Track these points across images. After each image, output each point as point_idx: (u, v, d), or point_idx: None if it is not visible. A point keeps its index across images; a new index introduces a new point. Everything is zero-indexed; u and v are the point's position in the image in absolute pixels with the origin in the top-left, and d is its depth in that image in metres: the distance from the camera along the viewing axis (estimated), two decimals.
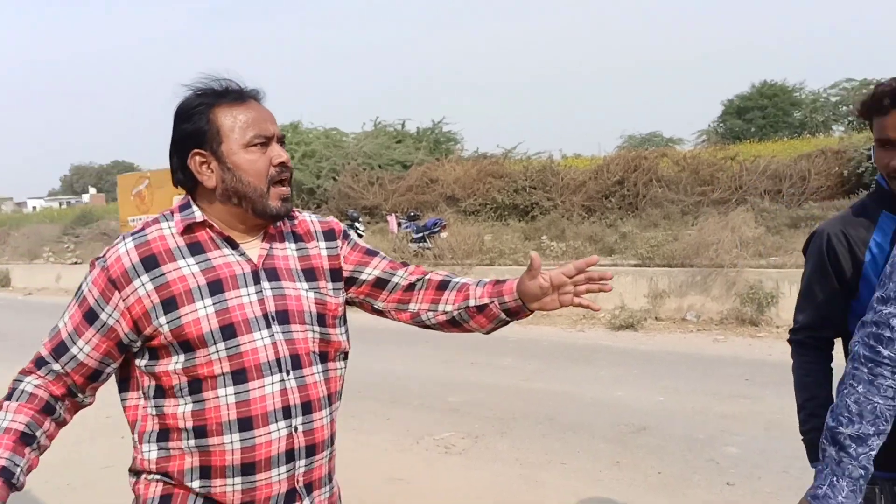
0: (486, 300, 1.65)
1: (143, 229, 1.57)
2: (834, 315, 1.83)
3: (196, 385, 1.49)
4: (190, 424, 1.49)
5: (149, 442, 1.54)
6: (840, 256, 1.79)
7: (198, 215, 1.56)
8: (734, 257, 7.61)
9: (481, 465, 4.66)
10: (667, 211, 13.63)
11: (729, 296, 7.70)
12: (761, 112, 29.58)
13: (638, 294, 8.73)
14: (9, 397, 1.53)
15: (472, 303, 1.66)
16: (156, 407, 1.53)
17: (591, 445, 4.91)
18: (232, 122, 1.52)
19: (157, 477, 1.55)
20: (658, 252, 9.45)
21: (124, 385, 1.59)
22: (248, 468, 1.50)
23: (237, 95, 1.55)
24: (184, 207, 1.58)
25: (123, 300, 1.49)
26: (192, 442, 1.50)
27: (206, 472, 1.50)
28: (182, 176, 1.57)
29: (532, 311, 1.64)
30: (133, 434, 1.58)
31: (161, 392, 1.53)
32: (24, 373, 1.56)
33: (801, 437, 1.91)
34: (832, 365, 1.95)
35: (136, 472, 1.58)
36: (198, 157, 1.53)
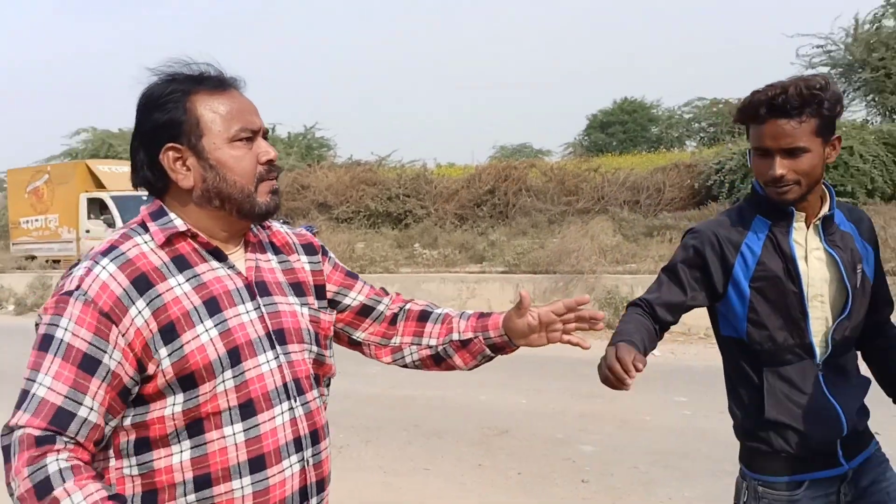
0: (470, 334, 1.55)
1: (113, 247, 1.31)
2: (676, 307, 1.84)
3: (197, 427, 1.27)
4: (189, 476, 1.26)
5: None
6: (709, 259, 1.80)
7: (178, 224, 1.33)
8: (593, 264, 7.98)
9: (343, 475, 4.59)
10: (535, 220, 14.07)
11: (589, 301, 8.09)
12: (622, 127, 31.24)
13: (504, 300, 8.95)
14: (48, 490, 1.16)
15: (455, 336, 1.55)
16: (139, 465, 1.28)
17: (455, 450, 4.96)
18: (213, 114, 1.32)
19: None
20: (524, 259, 9.73)
21: None
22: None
23: (217, 83, 1.35)
24: (157, 214, 1.35)
25: (123, 335, 1.24)
26: (191, 497, 1.27)
27: None
28: (150, 174, 1.34)
29: (518, 347, 1.57)
30: None
31: (146, 445, 1.27)
32: (30, 461, 1.18)
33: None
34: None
35: None
36: (172, 153, 1.31)
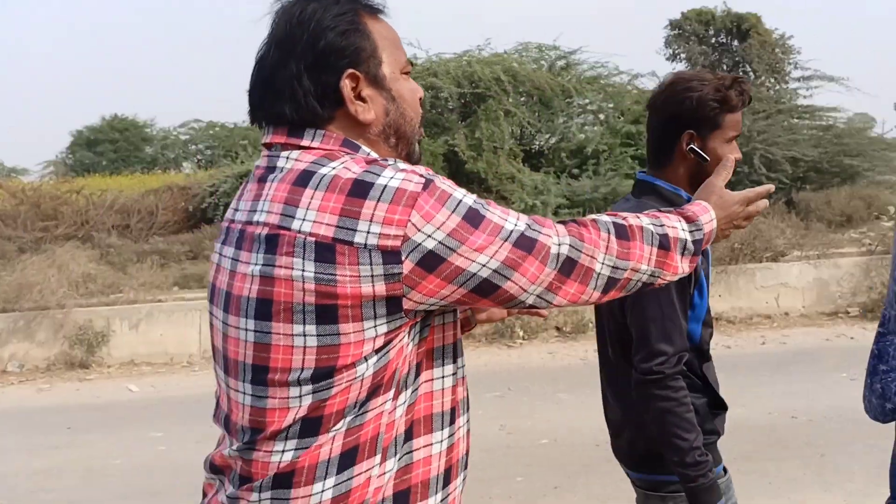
0: None
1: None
2: (686, 335, 1.71)
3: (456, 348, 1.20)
4: (451, 400, 1.17)
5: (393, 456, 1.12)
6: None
7: (377, 158, 1.14)
8: (61, 297, 6.99)
9: None
10: (3, 249, 12.00)
11: (57, 339, 7.06)
12: (112, 145, 29.30)
13: None
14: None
15: None
16: (413, 392, 1.13)
17: None
18: (385, 40, 1.17)
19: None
20: None
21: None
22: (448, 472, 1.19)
23: (377, 6, 1.19)
24: (352, 147, 1.14)
25: None
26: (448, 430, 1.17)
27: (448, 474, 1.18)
28: (319, 105, 1.12)
29: (477, 324, 1.45)
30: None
31: (416, 374, 1.13)
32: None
33: (699, 480, 1.62)
34: None
35: None
36: (349, 81, 1.13)
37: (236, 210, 1.18)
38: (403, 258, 1.02)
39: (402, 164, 1.09)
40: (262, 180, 1.14)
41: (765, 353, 6.49)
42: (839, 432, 4.55)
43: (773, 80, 18.63)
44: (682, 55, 19.18)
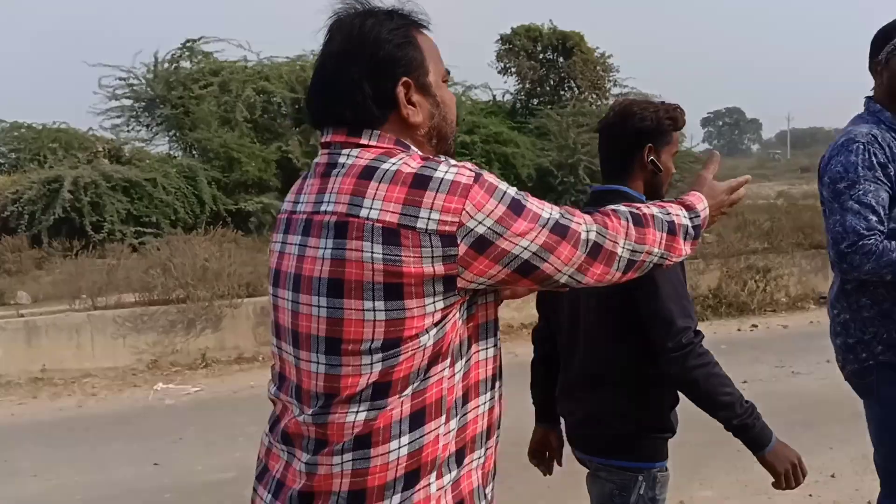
0: None
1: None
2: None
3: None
4: (493, 368, 1.35)
5: (454, 417, 1.28)
6: None
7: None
8: None
9: None
10: None
11: None
12: None
13: None
14: None
15: None
16: (466, 362, 1.29)
17: None
18: (431, 51, 1.34)
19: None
20: None
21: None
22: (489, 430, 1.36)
23: (420, 20, 1.36)
24: (404, 146, 1.30)
25: None
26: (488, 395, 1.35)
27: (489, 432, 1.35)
28: (376, 108, 1.27)
29: (502, 300, 1.41)
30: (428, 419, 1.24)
31: (468, 346, 1.29)
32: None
33: (755, 423, 1.84)
34: None
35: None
36: (403, 87, 1.29)
37: (297, 203, 1.32)
38: (458, 241, 1.17)
39: (452, 161, 1.24)
40: (325, 175, 1.27)
41: None
42: None
43: (595, 96, 19.75)
44: (513, 69, 19.86)
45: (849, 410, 3.00)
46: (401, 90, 1.29)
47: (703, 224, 1.51)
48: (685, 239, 1.45)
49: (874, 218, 2.11)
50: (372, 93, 1.28)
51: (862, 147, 2.16)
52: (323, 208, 1.23)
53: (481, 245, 1.19)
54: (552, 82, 20.04)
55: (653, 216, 1.39)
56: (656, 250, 1.39)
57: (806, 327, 7.20)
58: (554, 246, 1.24)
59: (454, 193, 1.18)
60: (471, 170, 1.22)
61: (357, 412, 1.20)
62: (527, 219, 1.22)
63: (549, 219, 1.25)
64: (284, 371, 1.32)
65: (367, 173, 1.22)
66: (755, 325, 7.59)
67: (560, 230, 1.25)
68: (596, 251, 1.30)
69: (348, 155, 1.26)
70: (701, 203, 1.52)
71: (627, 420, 1.95)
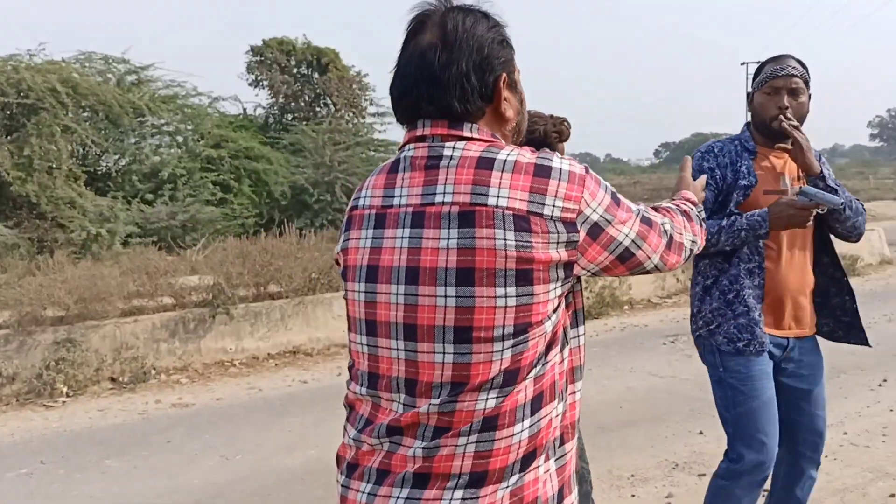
0: None
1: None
2: None
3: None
4: (582, 356, 1.41)
5: (562, 401, 1.34)
6: None
7: None
8: None
9: None
10: None
11: None
12: None
13: None
14: None
15: None
16: (568, 348, 1.36)
17: None
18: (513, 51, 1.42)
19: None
20: None
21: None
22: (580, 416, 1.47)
23: (501, 19, 1.41)
24: (495, 137, 1.36)
25: None
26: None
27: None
28: (479, 101, 1.32)
29: None
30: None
31: (569, 332, 1.36)
32: None
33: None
34: None
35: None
36: (501, 83, 1.35)
37: (392, 197, 1.31)
38: (579, 228, 1.25)
39: (557, 154, 1.30)
40: (430, 167, 1.29)
41: (340, 384, 6.32)
42: None
43: (351, 114, 19.60)
44: (265, 82, 19.12)
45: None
46: (501, 85, 1.34)
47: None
48: (701, 229, 1.60)
49: None
50: (478, 86, 1.32)
51: (699, 156, 2.65)
52: (438, 199, 1.25)
53: (595, 231, 1.27)
54: (307, 98, 19.62)
55: (688, 211, 1.57)
56: (698, 240, 1.55)
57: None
58: (645, 234, 1.35)
59: (573, 182, 1.25)
60: (578, 163, 1.30)
61: (487, 399, 1.23)
62: (624, 209, 1.32)
63: (638, 210, 1.37)
64: (378, 368, 1.31)
65: (486, 163, 1.25)
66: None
67: (647, 221, 1.37)
68: (671, 241, 1.42)
69: (454, 147, 1.29)
70: (696, 199, 1.72)
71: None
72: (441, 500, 1.22)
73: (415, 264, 1.25)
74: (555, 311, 1.26)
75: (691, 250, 1.51)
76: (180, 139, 14.40)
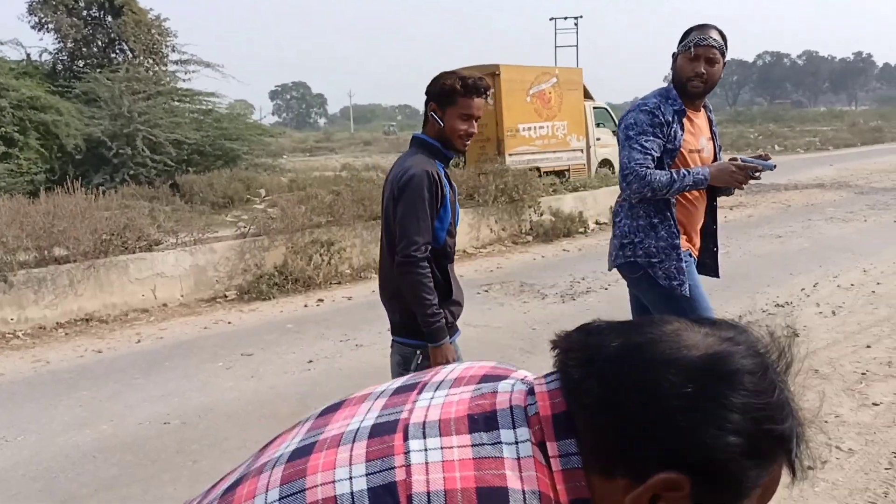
0: None
1: None
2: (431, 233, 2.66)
3: None
4: None
5: None
6: (437, 191, 2.63)
7: None
8: None
9: None
10: None
11: None
12: None
13: None
14: None
15: None
16: None
17: None
18: None
19: None
20: None
21: None
22: None
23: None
24: None
25: None
26: None
27: None
28: None
29: None
30: None
31: None
32: None
33: (434, 323, 2.62)
34: None
35: None
36: None
37: None
38: None
39: None
40: None
41: (140, 352, 5.86)
42: (211, 431, 4.22)
43: (151, 62, 18.14)
44: (51, 25, 17.21)
45: None
46: None
47: None
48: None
49: (647, 158, 3.00)
50: None
51: (648, 109, 3.03)
52: None
53: None
54: (100, 43, 17.93)
55: None
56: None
57: (369, 296, 7.29)
58: None
59: None
60: None
61: None
62: None
63: None
64: None
65: None
66: (321, 300, 7.47)
67: None
68: None
69: None
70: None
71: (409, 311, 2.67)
72: None
73: None
74: None
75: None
76: None
